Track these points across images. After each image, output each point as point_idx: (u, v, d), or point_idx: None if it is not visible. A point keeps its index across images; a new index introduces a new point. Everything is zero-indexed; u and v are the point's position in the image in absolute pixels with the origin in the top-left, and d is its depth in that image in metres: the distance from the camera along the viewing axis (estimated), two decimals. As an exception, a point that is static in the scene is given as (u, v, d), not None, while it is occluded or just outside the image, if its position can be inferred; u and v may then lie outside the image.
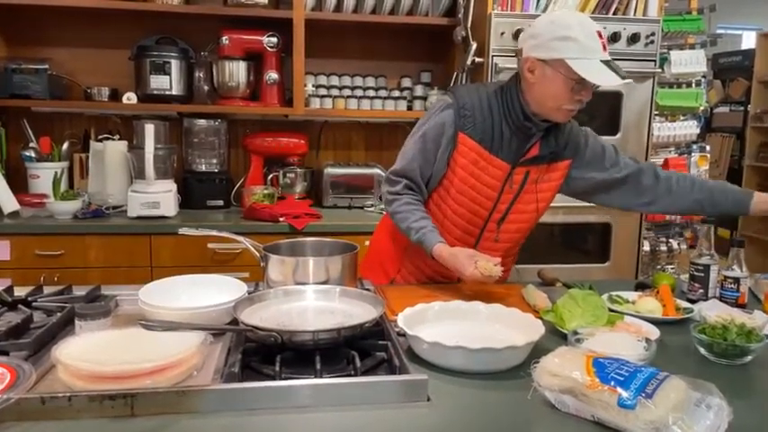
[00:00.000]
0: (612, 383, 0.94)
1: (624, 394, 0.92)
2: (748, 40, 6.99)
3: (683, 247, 3.04)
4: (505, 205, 1.68)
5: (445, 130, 1.62)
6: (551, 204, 1.80)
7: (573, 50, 1.46)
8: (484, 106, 1.61)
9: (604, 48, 1.49)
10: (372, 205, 3.00)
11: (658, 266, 3.03)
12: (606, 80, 1.46)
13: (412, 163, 1.67)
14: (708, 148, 3.16)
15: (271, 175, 3.00)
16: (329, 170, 3.01)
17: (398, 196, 1.68)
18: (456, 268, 1.54)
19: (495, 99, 1.62)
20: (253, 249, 1.54)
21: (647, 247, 2.97)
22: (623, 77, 1.46)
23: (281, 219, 2.63)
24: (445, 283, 1.73)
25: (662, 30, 2.75)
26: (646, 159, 2.81)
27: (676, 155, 3.04)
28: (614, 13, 2.76)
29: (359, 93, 3.09)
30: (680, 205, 1.73)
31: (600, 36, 1.48)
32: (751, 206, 1.64)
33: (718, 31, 6.60)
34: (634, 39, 2.68)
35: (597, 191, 1.76)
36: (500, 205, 1.67)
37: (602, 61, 1.47)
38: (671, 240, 3.05)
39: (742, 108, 5.62)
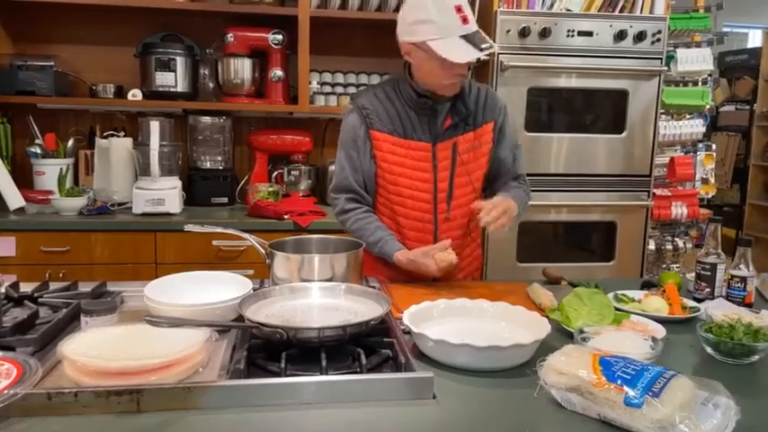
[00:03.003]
0: (619, 382, 0.93)
1: (631, 393, 0.91)
2: (754, 39, 6.96)
3: (689, 246, 3.03)
4: (445, 183, 1.72)
5: (356, 133, 1.71)
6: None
7: (431, 32, 1.52)
8: (382, 99, 1.70)
9: (465, 20, 1.52)
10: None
11: (664, 265, 3.02)
12: (465, 56, 1.51)
13: (343, 174, 1.74)
14: (713, 146, 3.15)
15: (275, 173, 3.00)
16: (333, 168, 3.01)
17: (346, 214, 1.75)
18: (419, 271, 1.62)
19: (391, 90, 1.71)
20: (258, 246, 1.54)
21: (652, 245, 2.97)
22: (482, 49, 1.51)
23: (285, 216, 2.63)
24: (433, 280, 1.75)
25: (668, 28, 2.74)
26: (652, 158, 2.81)
27: (682, 153, 3.03)
28: (621, 11, 2.75)
29: (364, 90, 3.08)
30: None
31: (458, 10, 1.51)
32: None
33: (725, 30, 6.56)
34: (640, 37, 2.67)
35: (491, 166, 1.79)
36: (440, 183, 1.72)
37: (461, 36, 1.51)
38: (676, 239, 3.04)
39: (748, 107, 5.59)
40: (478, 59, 1.65)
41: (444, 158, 1.70)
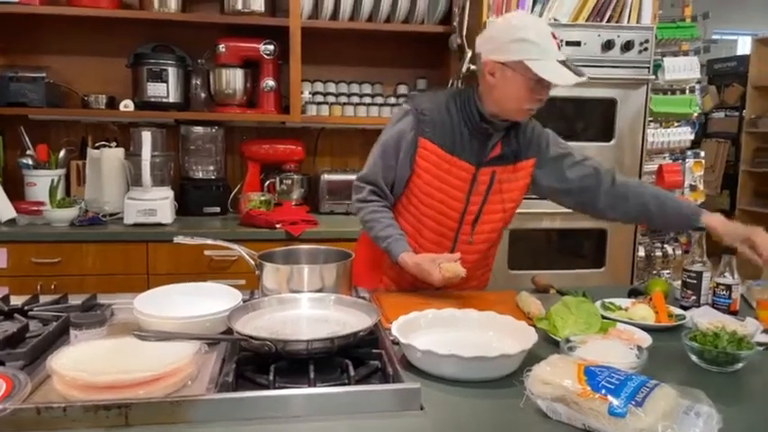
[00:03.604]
0: (603, 392, 0.95)
1: (615, 402, 0.93)
2: (743, 46, 7.03)
3: (678, 252, 3.04)
4: (476, 206, 1.72)
5: (405, 135, 1.69)
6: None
7: (531, 52, 1.51)
8: (442, 110, 1.68)
9: (559, 48, 1.54)
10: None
11: (654, 272, 3.04)
12: (564, 79, 1.51)
13: (374, 168, 1.73)
14: (702, 153, 3.17)
15: (267, 182, 3.01)
16: (326, 177, 3.02)
17: (365, 204, 1.74)
18: (422, 276, 1.60)
19: (453, 103, 1.68)
20: (247, 257, 1.55)
21: (642, 252, 2.98)
22: (580, 75, 1.52)
23: (277, 225, 2.64)
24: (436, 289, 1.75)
25: (656, 37, 2.77)
26: (641, 166, 2.83)
27: (671, 161, 3.06)
28: (608, 21, 2.78)
29: (355, 100, 3.10)
30: (633, 213, 1.76)
31: (554, 37, 1.54)
32: (701, 220, 1.64)
33: (714, 37, 6.63)
34: (628, 46, 2.70)
35: (560, 192, 1.80)
36: (471, 206, 1.71)
37: (558, 61, 1.53)
38: (666, 246, 3.06)
39: (737, 113, 5.65)
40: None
41: (482, 184, 1.69)
